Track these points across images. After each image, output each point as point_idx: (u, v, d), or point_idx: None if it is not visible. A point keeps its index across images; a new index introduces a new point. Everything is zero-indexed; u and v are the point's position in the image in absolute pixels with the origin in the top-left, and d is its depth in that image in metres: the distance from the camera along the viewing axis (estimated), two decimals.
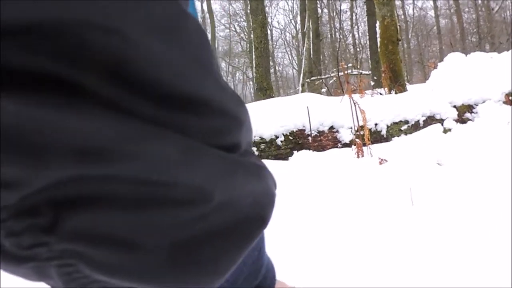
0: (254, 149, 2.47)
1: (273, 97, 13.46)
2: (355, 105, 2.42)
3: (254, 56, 13.21)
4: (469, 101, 2.92)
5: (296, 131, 2.56)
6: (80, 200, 0.19)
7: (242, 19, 34.55)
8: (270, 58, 25.90)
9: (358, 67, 20.57)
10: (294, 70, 47.51)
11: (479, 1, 33.49)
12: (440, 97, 2.89)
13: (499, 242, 1.38)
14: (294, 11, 40.65)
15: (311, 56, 17.00)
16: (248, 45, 32.96)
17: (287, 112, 2.61)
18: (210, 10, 26.07)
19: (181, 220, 0.21)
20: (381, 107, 2.81)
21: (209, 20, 28.12)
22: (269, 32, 34.08)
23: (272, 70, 32.50)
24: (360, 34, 36.49)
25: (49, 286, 0.24)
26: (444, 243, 1.42)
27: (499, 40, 22.64)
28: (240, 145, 0.25)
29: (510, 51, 3.95)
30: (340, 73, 18.84)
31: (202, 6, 29.84)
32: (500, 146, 1.91)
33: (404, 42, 35.19)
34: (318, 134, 2.58)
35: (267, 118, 2.56)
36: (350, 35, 37.38)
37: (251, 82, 40.67)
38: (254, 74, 13.61)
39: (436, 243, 1.41)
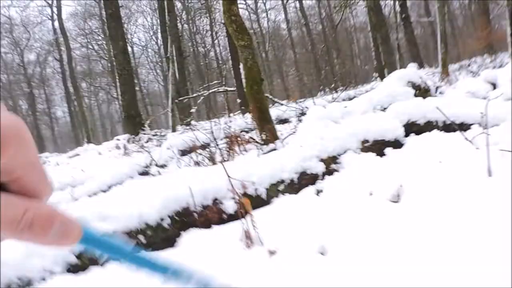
0: (141, 237, 2.41)
1: (142, 123, 13.10)
2: (233, 187, 2.51)
3: (118, 84, 12.72)
4: (333, 153, 3.23)
5: (181, 210, 2.56)
6: None
7: (100, 37, 32.97)
8: (134, 75, 25.16)
9: (224, 83, 21.13)
10: (160, 85, 46.84)
11: (323, 14, 37.15)
12: (308, 152, 3.15)
13: None
14: (154, 27, 40.16)
15: (177, 78, 16.88)
16: (109, 64, 31.60)
17: (169, 191, 2.59)
18: (63, 31, 24.27)
19: None
20: (258, 169, 2.95)
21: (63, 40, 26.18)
22: (130, 49, 33.13)
23: (137, 88, 31.57)
24: (221, 48, 37.57)
25: None
26: None
27: (349, 80, 25.02)
28: None
29: (361, 96, 4.44)
30: (208, 92, 18.96)
31: (53, 26, 27.71)
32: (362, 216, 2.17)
33: (263, 53, 37.23)
34: (203, 209, 2.62)
35: (149, 201, 2.51)
36: (212, 48, 38.26)
37: (116, 102, 39.01)
38: (120, 102, 13.11)
39: None
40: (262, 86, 5.32)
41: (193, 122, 19.82)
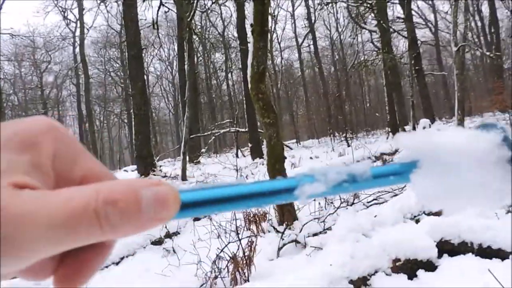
0: None
1: (154, 164, 13.03)
2: None
3: (133, 122, 12.75)
4: (363, 273, 3.09)
5: None
6: None
7: (117, 65, 33.51)
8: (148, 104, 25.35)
9: (235, 123, 21.18)
10: (171, 113, 47.23)
11: (336, 57, 37.60)
12: (338, 273, 3.02)
13: None
14: (170, 57, 40.85)
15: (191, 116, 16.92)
16: (123, 92, 31.98)
17: None
18: (83, 60, 24.65)
19: None
20: None
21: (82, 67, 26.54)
22: (145, 77, 33.48)
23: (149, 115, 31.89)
24: (234, 81, 37.93)
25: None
26: None
27: (359, 129, 24.94)
28: None
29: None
30: (220, 132, 19.04)
31: (74, 52, 28.11)
32: None
33: (274, 90, 37.41)
34: None
35: None
36: (225, 83, 38.66)
37: (126, 127, 39.24)
38: (133, 140, 13.10)
39: None
40: (284, 164, 5.24)
41: (202, 160, 19.80)
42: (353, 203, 5.38)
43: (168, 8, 10.79)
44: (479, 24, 33.99)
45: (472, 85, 41.28)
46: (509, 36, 31.66)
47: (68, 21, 26.62)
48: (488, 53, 21.86)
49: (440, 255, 3.35)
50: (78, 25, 25.53)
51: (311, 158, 14.70)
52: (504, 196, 0.34)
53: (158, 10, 9.58)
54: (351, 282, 3.04)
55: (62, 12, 25.65)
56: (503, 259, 3.22)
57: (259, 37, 5.20)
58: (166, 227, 5.63)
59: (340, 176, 0.32)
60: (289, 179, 0.32)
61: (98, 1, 21.61)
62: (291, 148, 21.04)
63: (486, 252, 3.31)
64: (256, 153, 15.85)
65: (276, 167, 5.22)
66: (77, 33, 25.94)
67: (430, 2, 37.47)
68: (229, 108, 34.76)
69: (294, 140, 31.08)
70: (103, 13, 30.17)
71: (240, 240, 3.81)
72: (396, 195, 4.98)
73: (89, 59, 29.74)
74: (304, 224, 4.72)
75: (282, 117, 40.71)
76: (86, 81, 24.90)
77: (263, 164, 12.39)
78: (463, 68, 12.06)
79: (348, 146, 18.09)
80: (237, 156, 20.75)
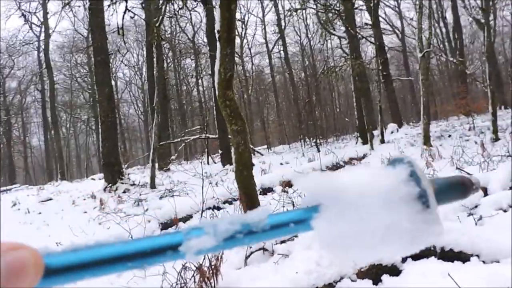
0: None
1: (121, 172, 12.75)
2: None
3: (100, 130, 12.47)
4: (329, 280, 3.09)
5: None
6: None
7: (84, 70, 32.76)
8: (116, 111, 24.81)
9: (205, 130, 21.04)
10: (140, 120, 46.55)
11: (306, 62, 37.97)
12: (304, 281, 3.01)
13: None
14: (140, 63, 40.29)
15: (160, 120, 16.78)
16: (90, 98, 31.27)
17: None
18: (48, 65, 23.92)
19: None
20: None
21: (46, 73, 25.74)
22: (114, 83, 32.90)
23: (117, 121, 31.17)
24: (204, 87, 37.72)
25: None
26: None
27: (329, 134, 25.09)
28: None
29: None
30: (190, 138, 18.86)
31: (39, 57, 27.24)
32: None
33: (245, 95, 37.36)
34: None
35: None
36: (195, 89, 38.41)
37: (94, 134, 38.38)
38: (100, 148, 12.81)
39: None
40: (252, 170, 5.23)
41: (172, 168, 19.56)
42: None
43: (134, 14, 10.62)
44: (443, 30, 35.05)
45: (438, 89, 42.48)
46: (471, 42, 32.82)
47: (31, 24, 25.76)
48: (452, 59, 22.56)
49: (404, 260, 3.40)
50: (43, 29, 24.85)
51: (281, 164, 14.75)
52: (415, 238, 0.31)
53: (123, 16, 9.42)
54: None
55: (24, 16, 24.82)
56: (464, 261, 3.29)
57: (226, 43, 5.18)
58: (132, 237, 5.50)
59: (232, 227, 0.28)
60: (174, 234, 0.28)
61: (62, 4, 21.07)
62: (261, 154, 21.07)
63: (448, 255, 3.37)
64: (226, 160, 15.79)
65: (244, 174, 5.20)
66: (42, 37, 25.25)
67: (396, 9, 38.44)
68: (199, 114, 34.56)
69: (265, 146, 31.14)
70: (69, 18, 29.47)
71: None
72: None
73: (54, 64, 28.98)
74: None
75: (253, 123, 40.75)
76: (51, 87, 24.24)
77: (233, 171, 12.36)
78: (427, 73, 12.37)
79: (318, 151, 18.27)
80: (207, 163, 20.62)
